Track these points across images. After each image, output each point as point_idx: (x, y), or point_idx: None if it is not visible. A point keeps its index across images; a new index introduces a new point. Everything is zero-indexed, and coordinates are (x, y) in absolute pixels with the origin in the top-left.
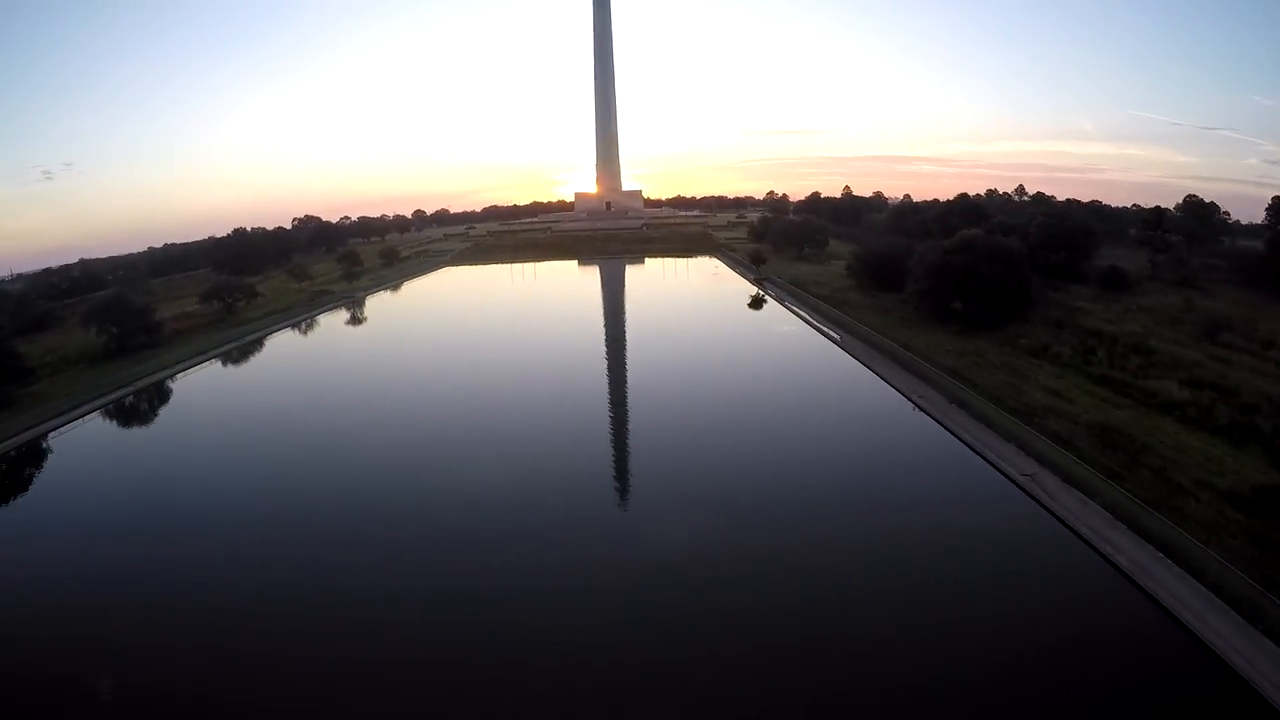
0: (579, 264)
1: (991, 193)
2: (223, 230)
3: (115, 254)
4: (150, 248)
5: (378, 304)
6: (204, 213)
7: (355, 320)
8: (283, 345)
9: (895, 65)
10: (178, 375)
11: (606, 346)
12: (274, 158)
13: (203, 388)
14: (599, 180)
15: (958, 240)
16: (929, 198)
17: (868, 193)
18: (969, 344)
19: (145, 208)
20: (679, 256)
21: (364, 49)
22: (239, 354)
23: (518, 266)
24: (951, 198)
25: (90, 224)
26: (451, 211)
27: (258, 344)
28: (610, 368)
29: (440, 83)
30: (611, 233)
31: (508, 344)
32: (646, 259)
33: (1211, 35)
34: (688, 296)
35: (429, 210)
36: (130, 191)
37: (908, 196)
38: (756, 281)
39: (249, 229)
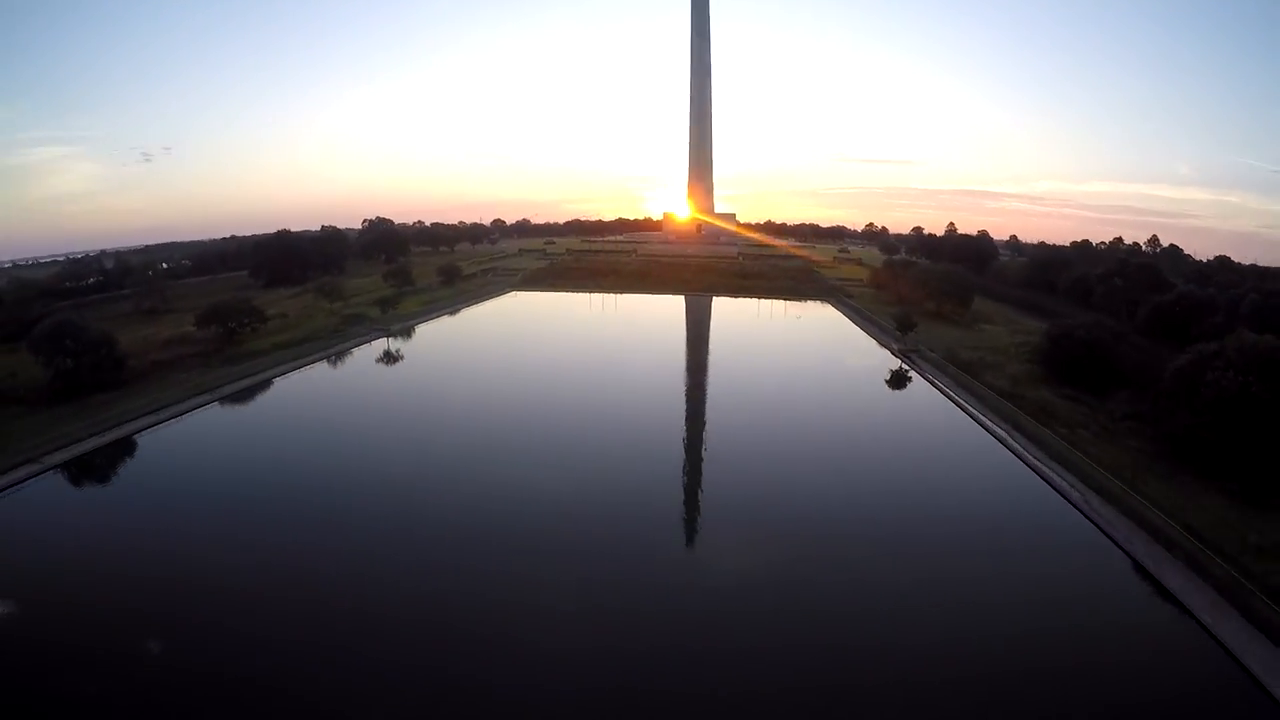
0: (668, 298)
1: (1117, 242)
2: (307, 224)
3: (198, 239)
4: (233, 236)
5: (419, 340)
6: (292, 205)
7: (386, 361)
8: (282, 396)
9: (987, 99)
10: (135, 434)
11: (697, 446)
12: (369, 154)
13: (148, 465)
14: (690, 200)
15: (1250, 353)
16: (1023, 237)
17: (962, 229)
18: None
19: (237, 195)
20: (785, 298)
21: (466, 50)
22: (224, 405)
23: (597, 298)
24: (1067, 241)
25: (183, 208)
26: (533, 222)
27: (249, 394)
28: (695, 490)
29: (536, 88)
30: (704, 261)
31: (571, 426)
32: (746, 298)
33: None
34: (809, 365)
35: (510, 219)
36: (224, 179)
37: (1014, 237)
38: (902, 354)
39: (313, 228)
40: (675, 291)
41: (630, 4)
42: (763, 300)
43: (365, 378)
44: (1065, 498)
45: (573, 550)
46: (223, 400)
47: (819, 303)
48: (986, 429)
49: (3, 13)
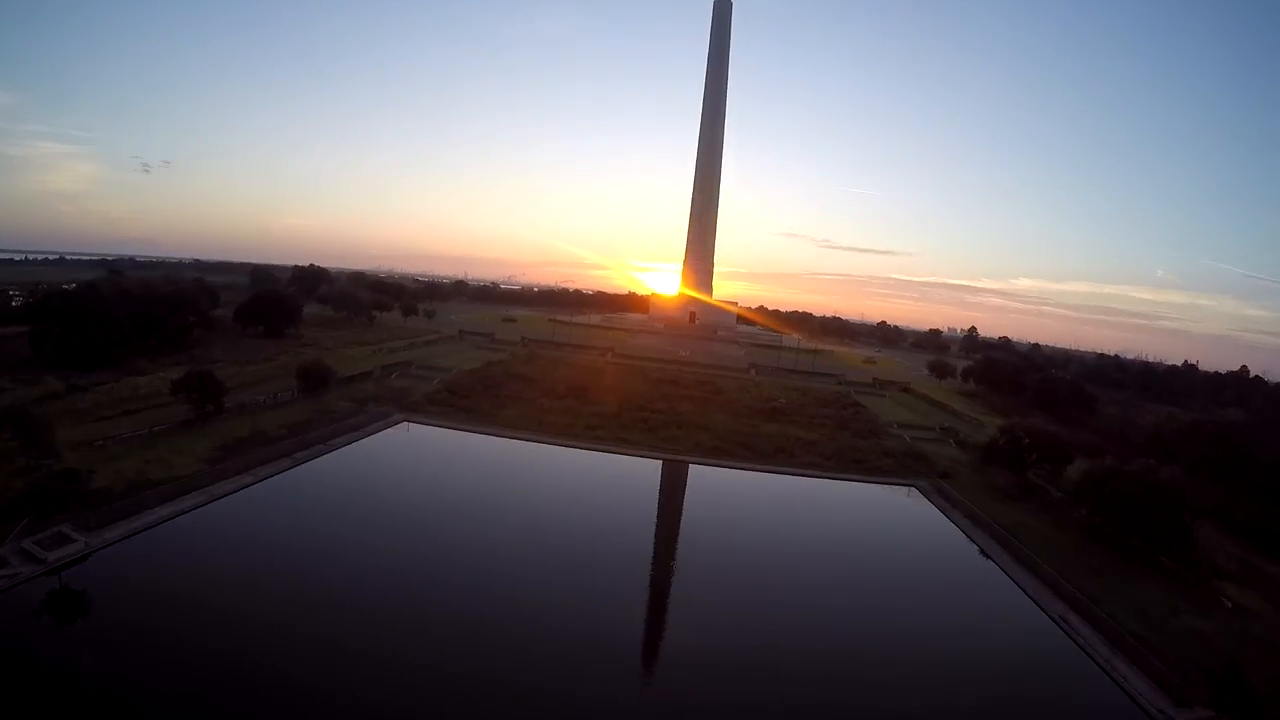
0: (649, 465)
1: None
2: (288, 257)
3: (183, 256)
4: (196, 260)
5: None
6: (279, 235)
7: None
8: None
9: (969, 195)
10: None
11: None
12: (359, 198)
13: None
14: (684, 279)
15: None
16: (989, 333)
17: (943, 323)
18: None
19: (232, 218)
20: (848, 474)
21: (474, 94)
22: None
23: (537, 451)
24: (1045, 340)
25: (175, 223)
26: (502, 288)
27: None
28: None
29: (543, 139)
30: (704, 374)
31: None
32: (776, 470)
33: None
34: None
35: (488, 275)
36: (221, 201)
37: (1037, 346)
38: None
39: (303, 263)
40: (662, 446)
41: (651, 61)
42: (805, 477)
43: None
44: None
45: None
46: None
47: (905, 489)
48: None
49: (16, 3)
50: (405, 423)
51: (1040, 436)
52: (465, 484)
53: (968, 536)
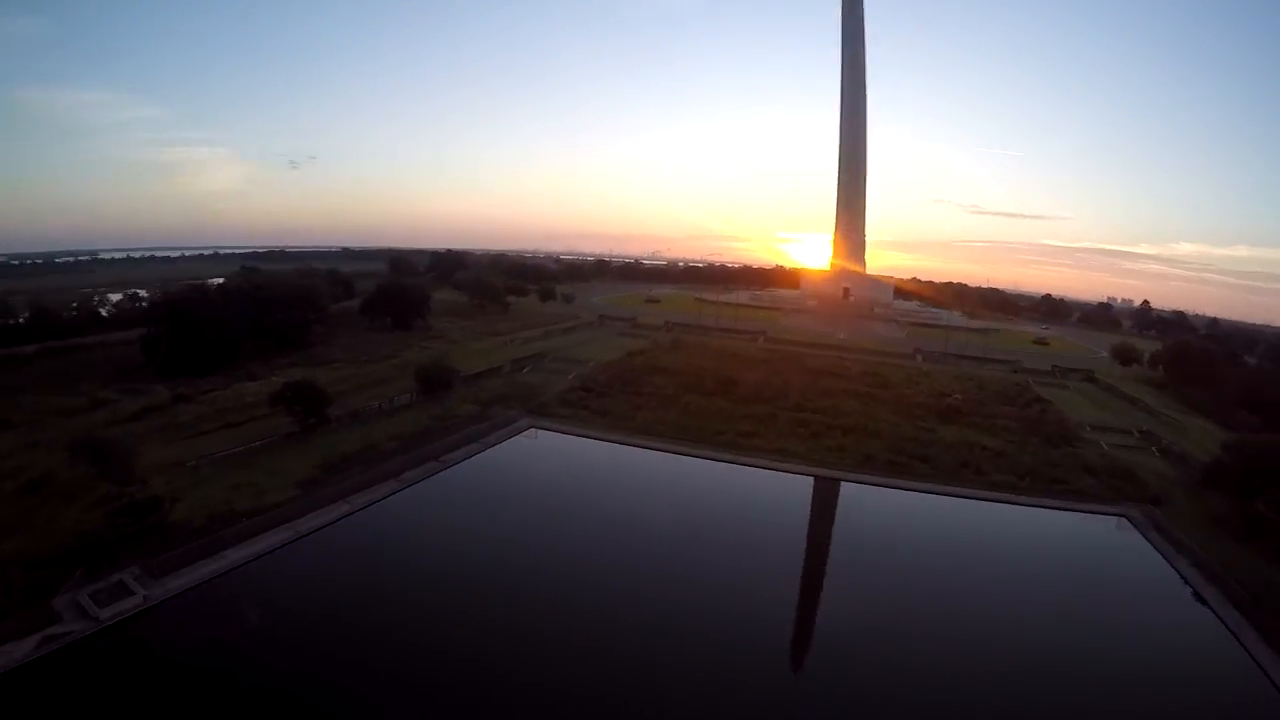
0: (805, 484)
1: None
2: (436, 240)
3: (330, 246)
4: (345, 249)
5: None
6: (427, 218)
7: None
8: None
9: (1124, 152)
10: None
11: None
12: (503, 180)
13: None
14: (835, 250)
15: None
16: (1157, 303)
17: (1097, 292)
18: None
19: (377, 203)
20: (1044, 501)
21: (610, 71)
22: None
23: (676, 467)
24: (1209, 311)
25: (325, 211)
26: (645, 264)
27: None
28: None
29: (683, 118)
30: (865, 361)
31: None
32: (963, 494)
33: None
34: None
35: (626, 254)
36: (365, 187)
37: (1215, 321)
38: None
39: (463, 247)
40: (827, 459)
41: (787, 29)
42: (991, 502)
43: None
44: None
45: None
46: None
47: (1115, 519)
48: None
49: (156, 17)
50: (533, 429)
51: (1271, 455)
52: (597, 507)
53: (1200, 599)
